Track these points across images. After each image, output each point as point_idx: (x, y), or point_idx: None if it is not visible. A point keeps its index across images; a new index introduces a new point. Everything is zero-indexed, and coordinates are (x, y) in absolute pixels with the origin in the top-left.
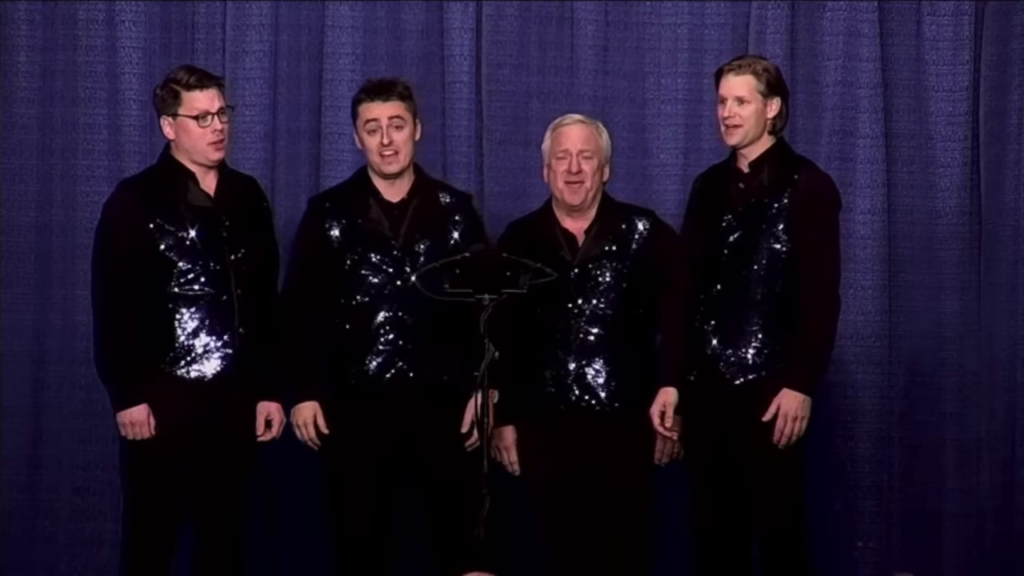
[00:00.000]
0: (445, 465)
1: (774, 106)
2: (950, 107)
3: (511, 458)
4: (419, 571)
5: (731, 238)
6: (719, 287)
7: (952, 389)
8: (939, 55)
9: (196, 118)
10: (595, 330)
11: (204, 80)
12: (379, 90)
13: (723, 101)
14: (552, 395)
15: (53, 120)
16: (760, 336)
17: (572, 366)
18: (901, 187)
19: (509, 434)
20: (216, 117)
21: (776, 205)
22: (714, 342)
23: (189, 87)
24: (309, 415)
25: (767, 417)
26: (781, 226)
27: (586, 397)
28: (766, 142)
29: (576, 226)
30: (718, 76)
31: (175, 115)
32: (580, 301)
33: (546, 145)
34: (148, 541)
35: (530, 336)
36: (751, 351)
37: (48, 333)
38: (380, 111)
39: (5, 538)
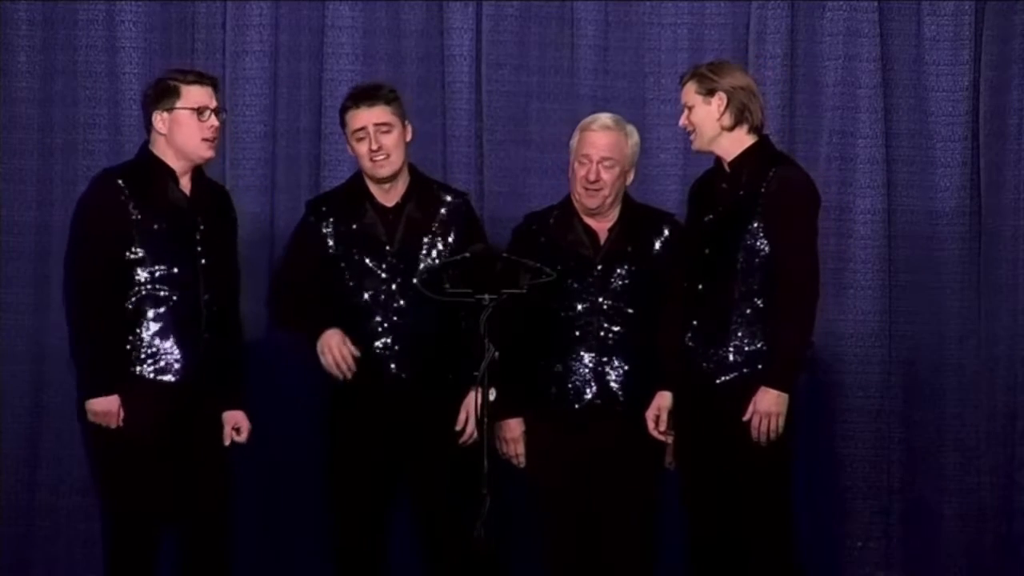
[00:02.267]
0: (443, 466)
1: (718, 103)
2: (950, 107)
3: (517, 450)
4: (418, 572)
5: (712, 238)
6: (701, 286)
7: (952, 389)
8: (939, 55)
9: (196, 111)
10: (616, 328)
11: (202, 77)
12: (363, 97)
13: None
14: (570, 391)
15: (53, 120)
16: (739, 334)
17: (592, 363)
18: (901, 187)
19: (516, 426)
20: (213, 114)
21: (753, 203)
22: (697, 341)
23: (188, 82)
24: (338, 338)
25: (747, 417)
26: (758, 224)
27: (604, 394)
28: (743, 141)
29: (599, 225)
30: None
31: (171, 108)
32: (601, 299)
33: (573, 143)
34: (128, 542)
35: (548, 333)
36: (731, 349)
37: (48, 333)
38: (366, 118)
39: (5, 538)
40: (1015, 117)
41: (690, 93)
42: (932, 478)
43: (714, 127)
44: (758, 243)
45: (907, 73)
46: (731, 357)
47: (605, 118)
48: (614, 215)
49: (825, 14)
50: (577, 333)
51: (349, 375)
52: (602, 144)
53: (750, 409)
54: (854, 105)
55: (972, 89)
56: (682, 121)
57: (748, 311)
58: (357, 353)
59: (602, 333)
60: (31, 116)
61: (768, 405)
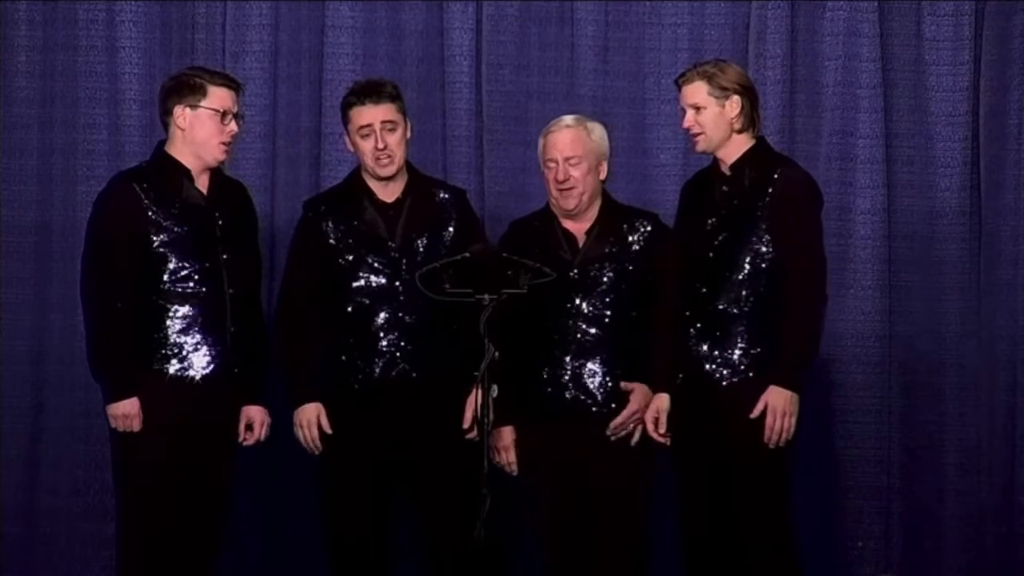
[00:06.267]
0: (445, 466)
1: (733, 105)
2: (950, 107)
3: (509, 458)
4: (418, 572)
5: (716, 241)
6: (705, 289)
7: (952, 389)
8: (939, 55)
9: (220, 113)
10: (593, 331)
11: (230, 81)
12: (369, 93)
13: (683, 112)
14: (549, 395)
15: (53, 120)
16: (746, 337)
17: (569, 366)
18: (901, 187)
19: (508, 435)
20: (234, 119)
21: (758, 206)
22: (701, 344)
23: (216, 83)
24: (312, 416)
25: (755, 414)
26: (763, 226)
27: (583, 397)
28: (744, 143)
29: (577, 227)
30: (678, 89)
31: (195, 106)
32: (579, 302)
33: (539, 150)
34: (148, 543)
35: (528, 336)
36: (737, 352)
37: (48, 333)
38: (372, 115)
39: (5, 538)
40: (1015, 117)
41: (700, 93)
42: (932, 478)
43: (726, 130)
44: (764, 246)
45: (907, 73)
46: (737, 360)
47: (565, 118)
48: (592, 215)
49: (825, 14)
50: (556, 336)
51: (316, 451)
52: (564, 143)
53: (759, 407)
54: (854, 105)
55: (972, 89)
56: (688, 122)
57: (754, 314)
58: (328, 431)
59: (580, 335)
60: (31, 116)
61: (782, 405)
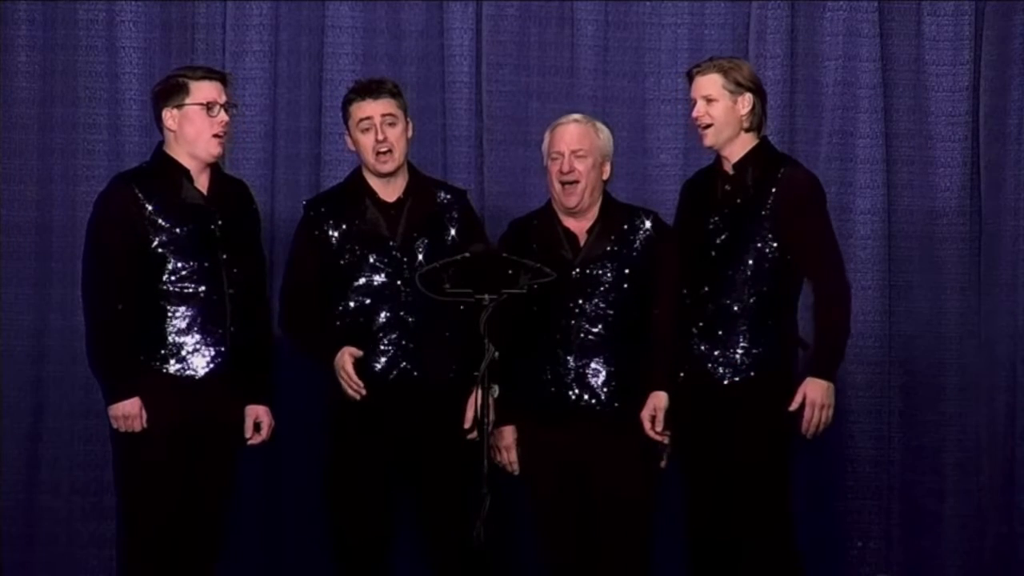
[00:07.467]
0: (446, 465)
1: (745, 102)
2: (950, 107)
3: (511, 458)
4: (418, 572)
5: (718, 240)
6: (707, 288)
7: (952, 389)
8: (939, 55)
9: (205, 107)
10: (595, 329)
11: (211, 73)
12: (369, 89)
13: (694, 103)
14: (552, 394)
15: (53, 120)
16: (748, 336)
17: (572, 365)
18: (901, 187)
19: (509, 434)
20: (223, 109)
21: (762, 205)
22: (702, 343)
23: (197, 78)
24: (343, 357)
25: (794, 406)
26: (767, 225)
27: (586, 396)
28: (748, 141)
29: (578, 226)
30: (689, 80)
31: (180, 105)
32: (581, 301)
33: (544, 146)
34: (148, 543)
35: (531, 335)
36: (739, 351)
37: (48, 333)
38: (372, 109)
39: (5, 538)
40: (1015, 117)
41: (714, 86)
42: (932, 478)
43: (735, 126)
44: (766, 245)
45: (907, 73)
46: (738, 359)
47: (573, 115)
48: (593, 214)
49: (825, 14)
50: (558, 336)
51: (360, 395)
52: (571, 136)
53: (798, 399)
54: (854, 105)
55: (972, 89)
56: (698, 111)
57: (755, 313)
58: (360, 354)
59: (583, 335)
60: (31, 116)
61: (822, 397)
